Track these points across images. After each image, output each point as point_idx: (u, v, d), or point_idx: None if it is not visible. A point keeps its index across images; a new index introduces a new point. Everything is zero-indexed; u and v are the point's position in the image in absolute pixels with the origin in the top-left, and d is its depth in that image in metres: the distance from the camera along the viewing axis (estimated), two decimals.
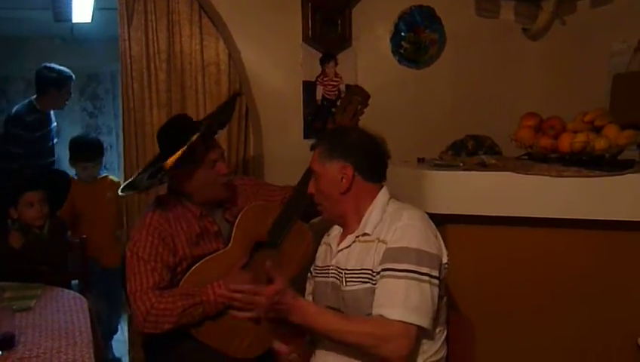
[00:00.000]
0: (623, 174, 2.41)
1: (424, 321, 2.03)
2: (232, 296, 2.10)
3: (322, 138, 2.39)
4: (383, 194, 2.30)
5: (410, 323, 2.00)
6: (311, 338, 2.34)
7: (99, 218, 4.49)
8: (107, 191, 4.57)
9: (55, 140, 5.32)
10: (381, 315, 2.02)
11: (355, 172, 2.25)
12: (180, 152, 2.47)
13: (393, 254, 2.09)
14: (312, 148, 2.38)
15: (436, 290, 2.09)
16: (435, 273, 2.09)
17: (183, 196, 2.67)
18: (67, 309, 2.69)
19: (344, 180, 2.24)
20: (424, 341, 2.13)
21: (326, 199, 2.30)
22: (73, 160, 4.61)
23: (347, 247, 2.26)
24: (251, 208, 2.71)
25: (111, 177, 4.77)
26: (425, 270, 2.06)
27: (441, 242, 2.19)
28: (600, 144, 2.44)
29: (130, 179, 2.83)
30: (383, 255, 2.11)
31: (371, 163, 2.31)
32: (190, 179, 2.63)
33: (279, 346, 2.35)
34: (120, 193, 2.84)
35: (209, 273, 2.53)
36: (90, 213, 4.46)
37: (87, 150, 4.59)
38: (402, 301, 2.01)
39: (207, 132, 2.60)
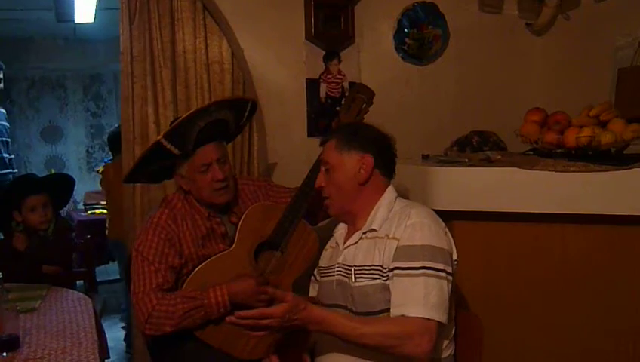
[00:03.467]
0: (630, 168, 2.40)
1: (443, 317, 2.03)
2: (240, 322, 2.08)
3: (336, 132, 2.40)
4: (390, 192, 2.31)
5: (431, 319, 2.00)
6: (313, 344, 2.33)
7: None
8: None
9: (5, 138, 5.28)
10: (402, 315, 2.01)
11: (374, 163, 2.26)
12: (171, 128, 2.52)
13: (408, 252, 2.08)
14: (323, 142, 2.38)
15: (450, 286, 2.09)
16: (449, 269, 2.10)
17: (192, 196, 2.66)
18: (72, 310, 2.69)
19: (362, 171, 2.25)
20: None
21: (339, 191, 2.28)
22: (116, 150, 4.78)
23: (354, 244, 2.26)
24: (255, 208, 2.69)
25: None
26: (441, 266, 2.07)
27: (451, 238, 2.19)
28: (606, 138, 2.42)
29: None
30: (395, 252, 2.11)
31: (387, 158, 2.33)
32: (188, 180, 2.63)
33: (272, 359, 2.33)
34: (123, 182, 2.86)
35: (213, 274, 2.52)
36: None
37: None
38: (422, 298, 2.01)
39: (199, 134, 2.57)
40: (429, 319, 1.99)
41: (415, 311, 2.00)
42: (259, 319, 2.00)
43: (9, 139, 5.45)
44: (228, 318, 2.08)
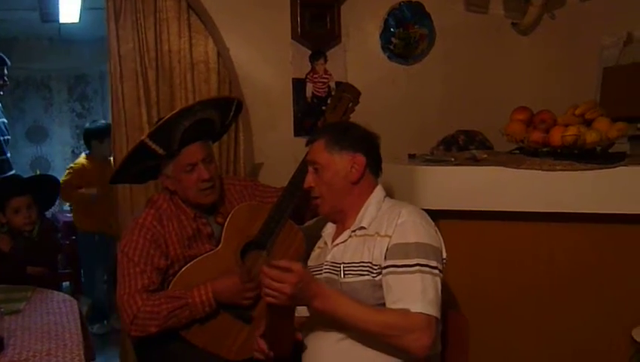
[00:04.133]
0: (615, 167, 2.41)
1: (439, 313, 2.05)
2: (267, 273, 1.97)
3: (323, 131, 2.40)
4: (379, 191, 2.33)
5: (431, 315, 2.01)
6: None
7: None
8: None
9: (6, 137, 5.20)
10: (404, 309, 2.02)
11: (366, 163, 2.27)
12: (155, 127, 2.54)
13: (402, 250, 2.09)
14: (310, 142, 2.38)
15: (440, 283, 2.10)
16: (441, 266, 2.12)
17: (178, 196, 2.65)
18: (57, 311, 2.67)
19: (354, 170, 2.26)
20: None
21: (329, 191, 2.29)
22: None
23: (343, 242, 2.27)
24: (241, 208, 2.69)
25: None
26: (434, 263, 2.09)
27: (440, 237, 2.20)
28: (591, 137, 2.43)
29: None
30: (389, 250, 2.11)
31: (376, 157, 2.35)
32: (174, 180, 2.62)
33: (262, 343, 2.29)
34: (110, 183, 2.85)
35: (199, 274, 2.51)
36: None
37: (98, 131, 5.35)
38: (420, 294, 2.02)
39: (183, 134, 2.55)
40: (428, 314, 2.01)
41: (415, 306, 2.00)
42: (275, 280, 1.94)
43: (9, 137, 5.34)
44: (208, 295, 2.06)
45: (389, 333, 2.01)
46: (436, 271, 2.08)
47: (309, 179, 2.34)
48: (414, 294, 2.02)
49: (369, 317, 2.02)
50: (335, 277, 2.22)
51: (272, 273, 1.95)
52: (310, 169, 2.35)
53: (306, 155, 2.42)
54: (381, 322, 2.01)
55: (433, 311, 2.02)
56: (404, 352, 2.02)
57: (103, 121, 5.77)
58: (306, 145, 2.41)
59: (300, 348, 2.27)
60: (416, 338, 1.99)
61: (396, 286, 2.07)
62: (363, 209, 2.27)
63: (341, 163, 2.27)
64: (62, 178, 5.14)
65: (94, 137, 5.34)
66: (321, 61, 3.80)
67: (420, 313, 2.00)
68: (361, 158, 2.27)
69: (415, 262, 2.06)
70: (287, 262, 1.99)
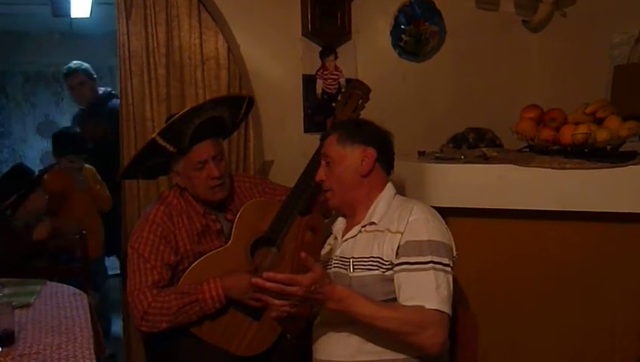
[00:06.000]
0: (626, 166, 2.41)
1: (451, 311, 2.07)
2: (265, 284, 1.96)
3: (337, 126, 2.43)
4: (389, 188, 2.34)
5: (444, 312, 2.03)
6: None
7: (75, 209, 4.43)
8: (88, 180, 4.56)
9: None
10: (419, 306, 2.03)
11: (376, 157, 2.29)
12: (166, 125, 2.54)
13: (415, 247, 2.11)
14: (324, 137, 2.40)
15: (452, 281, 2.12)
16: (452, 264, 2.14)
17: (188, 193, 2.66)
18: (67, 305, 2.67)
19: (364, 163, 2.27)
20: None
21: (340, 184, 2.30)
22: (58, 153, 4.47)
23: (352, 237, 2.28)
24: (251, 204, 2.69)
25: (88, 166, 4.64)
26: (446, 261, 2.11)
27: (451, 235, 2.21)
28: (602, 136, 2.43)
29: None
30: (401, 247, 2.13)
31: (388, 153, 2.36)
32: (184, 177, 2.62)
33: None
34: (120, 179, 2.87)
35: (209, 270, 2.52)
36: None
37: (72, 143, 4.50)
38: (434, 291, 2.04)
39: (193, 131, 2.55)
40: (443, 312, 2.03)
41: (430, 303, 2.02)
42: (286, 284, 1.94)
43: None
44: (254, 279, 1.98)
45: (405, 331, 2.02)
46: (448, 269, 2.10)
47: (321, 173, 2.36)
48: (428, 291, 2.04)
49: (385, 315, 2.03)
50: (344, 271, 2.23)
51: (281, 277, 1.95)
52: (322, 162, 2.37)
53: (319, 149, 2.44)
54: (397, 319, 2.02)
55: (446, 308, 2.04)
56: (419, 349, 2.04)
57: (77, 129, 4.91)
58: (321, 140, 2.43)
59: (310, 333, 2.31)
60: (432, 335, 2.00)
61: (410, 283, 2.08)
62: (374, 205, 2.28)
63: (352, 156, 2.29)
64: None
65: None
66: (332, 58, 3.80)
67: (436, 310, 2.01)
68: (371, 152, 2.28)
69: (429, 260, 2.07)
70: (312, 261, 1.97)
